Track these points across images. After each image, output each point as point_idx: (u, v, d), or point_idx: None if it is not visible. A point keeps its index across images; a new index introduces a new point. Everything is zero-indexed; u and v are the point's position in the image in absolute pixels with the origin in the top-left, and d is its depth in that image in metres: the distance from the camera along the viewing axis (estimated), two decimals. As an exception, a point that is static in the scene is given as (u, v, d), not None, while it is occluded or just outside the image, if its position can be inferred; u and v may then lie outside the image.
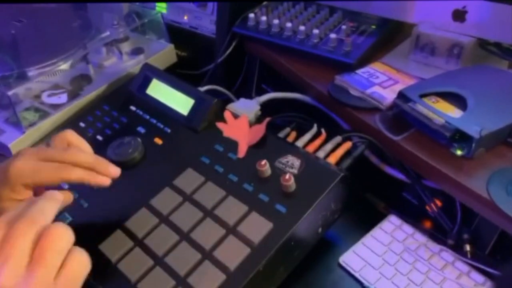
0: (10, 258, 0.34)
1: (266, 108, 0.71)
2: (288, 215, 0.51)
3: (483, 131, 0.53)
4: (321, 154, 0.59)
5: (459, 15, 0.66)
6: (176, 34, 0.88)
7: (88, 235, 0.54)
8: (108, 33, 0.84)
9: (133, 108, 0.71)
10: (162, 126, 0.66)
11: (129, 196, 0.58)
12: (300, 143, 0.62)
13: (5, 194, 0.47)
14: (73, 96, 0.74)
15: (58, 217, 0.44)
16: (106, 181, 0.50)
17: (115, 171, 0.51)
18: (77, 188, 0.56)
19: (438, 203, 0.61)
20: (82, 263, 0.38)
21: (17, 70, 0.75)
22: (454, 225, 0.59)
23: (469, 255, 0.56)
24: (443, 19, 0.68)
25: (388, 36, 0.76)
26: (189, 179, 0.58)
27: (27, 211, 0.37)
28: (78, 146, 0.52)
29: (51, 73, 0.76)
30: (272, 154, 0.57)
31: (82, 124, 0.71)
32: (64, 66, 0.78)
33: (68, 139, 0.52)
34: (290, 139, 0.63)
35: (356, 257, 0.58)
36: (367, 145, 0.62)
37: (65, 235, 0.37)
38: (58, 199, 0.41)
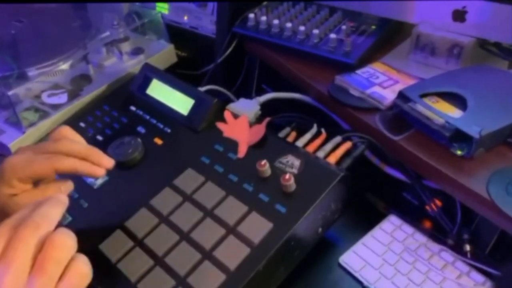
0: (13, 264, 0.34)
1: (266, 108, 0.71)
2: (288, 215, 0.51)
3: (483, 131, 0.53)
4: (321, 154, 0.59)
5: (459, 15, 0.66)
6: (176, 34, 0.88)
7: (88, 235, 0.54)
8: (108, 33, 0.84)
9: (133, 108, 0.71)
10: (162, 126, 0.66)
11: (129, 196, 0.58)
12: (300, 143, 0.62)
13: (2, 191, 0.48)
14: (73, 96, 0.74)
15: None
16: (100, 171, 0.50)
17: (109, 161, 0.51)
18: (77, 188, 0.55)
19: (438, 203, 0.61)
20: (83, 274, 0.37)
21: (17, 70, 0.75)
22: (454, 225, 0.59)
23: (469, 255, 0.56)
24: (443, 19, 0.68)
25: (388, 36, 0.76)
26: (189, 179, 0.58)
27: (31, 216, 0.37)
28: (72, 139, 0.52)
29: (51, 73, 0.76)
30: (272, 154, 0.57)
31: (82, 124, 0.71)
32: (64, 66, 0.78)
33: (63, 134, 0.52)
34: (290, 139, 0.63)
35: (356, 257, 0.58)
36: (367, 145, 0.62)
37: (67, 243, 0.37)
38: (64, 203, 0.41)
